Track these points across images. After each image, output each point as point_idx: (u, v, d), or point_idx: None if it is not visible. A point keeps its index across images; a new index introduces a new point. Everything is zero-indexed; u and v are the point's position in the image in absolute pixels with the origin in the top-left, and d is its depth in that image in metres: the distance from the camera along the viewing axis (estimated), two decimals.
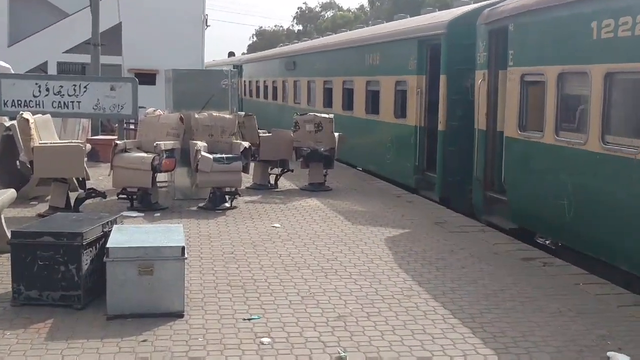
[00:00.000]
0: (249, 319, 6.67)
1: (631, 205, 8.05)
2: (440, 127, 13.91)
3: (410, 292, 7.61)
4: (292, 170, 14.92)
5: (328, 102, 20.58)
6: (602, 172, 8.64)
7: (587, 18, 8.80)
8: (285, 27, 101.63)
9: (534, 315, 6.92)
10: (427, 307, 7.12)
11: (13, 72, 17.10)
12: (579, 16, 9.13)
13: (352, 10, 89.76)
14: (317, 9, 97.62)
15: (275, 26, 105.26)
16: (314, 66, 22.23)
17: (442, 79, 13.80)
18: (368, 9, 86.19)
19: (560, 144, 9.53)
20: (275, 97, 27.14)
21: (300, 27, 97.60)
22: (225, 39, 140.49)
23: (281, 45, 34.95)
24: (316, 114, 15.13)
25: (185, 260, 6.85)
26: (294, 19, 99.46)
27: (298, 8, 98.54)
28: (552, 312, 7.01)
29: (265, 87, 28.78)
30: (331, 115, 15.03)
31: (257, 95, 30.32)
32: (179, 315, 6.66)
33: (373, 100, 17.28)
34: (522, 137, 10.68)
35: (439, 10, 16.76)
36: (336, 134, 14.69)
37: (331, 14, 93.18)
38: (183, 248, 6.77)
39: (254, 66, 31.89)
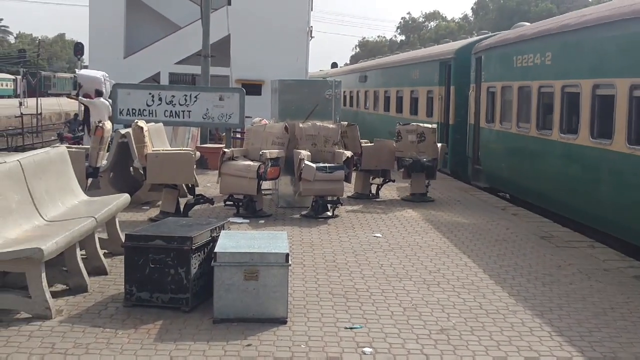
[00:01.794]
0: (350, 328, 6.68)
1: (530, 158, 14.70)
2: (451, 122, 19.97)
3: (515, 308, 7.45)
4: (393, 181, 14.88)
5: (386, 107, 26.51)
6: (517, 146, 15.36)
7: (510, 55, 15.93)
8: (389, 37, 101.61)
9: None
10: (533, 324, 6.95)
11: (112, 81, 17.84)
12: (506, 54, 16.32)
13: (455, 21, 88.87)
14: (421, 19, 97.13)
15: (378, 37, 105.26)
16: (378, 79, 28.72)
17: (452, 89, 19.98)
18: (472, 19, 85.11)
19: (502, 129, 16.25)
20: (351, 104, 33.76)
21: (403, 37, 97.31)
22: (329, 49, 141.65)
23: (360, 62, 42.82)
24: (419, 124, 15.06)
25: (289, 267, 6.94)
26: (397, 29, 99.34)
27: (402, 18, 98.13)
28: None
29: (344, 97, 34.32)
30: (434, 125, 14.95)
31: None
32: (283, 321, 6.74)
33: (413, 104, 23.21)
34: (486, 126, 17.34)
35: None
36: (439, 144, 14.56)
37: (435, 24, 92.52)
38: (287, 255, 6.86)
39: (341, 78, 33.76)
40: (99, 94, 19.89)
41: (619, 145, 10.91)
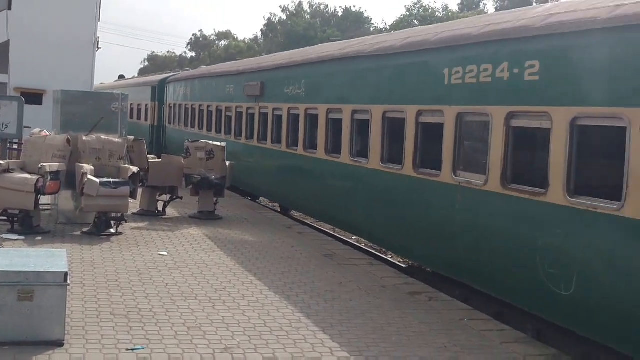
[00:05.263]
0: (132, 350, 6.46)
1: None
2: (155, 123, 30.23)
3: (298, 325, 7.58)
4: (181, 198, 14.69)
5: (138, 116, 33.08)
6: (185, 138, 19.87)
7: (182, 85, 26.21)
8: (179, 53, 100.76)
9: (420, 350, 7.01)
10: (315, 340, 7.10)
11: None
12: (180, 84, 26.31)
13: (246, 41, 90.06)
14: (213, 37, 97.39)
15: (167, 52, 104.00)
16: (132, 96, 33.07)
17: (156, 104, 30.46)
18: (262, 41, 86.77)
19: (177, 128, 26.12)
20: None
21: (194, 54, 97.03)
22: (118, 61, 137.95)
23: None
24: (208, 141, 15.01)
25: (68, 287, 6.61)
26: (187, 45, 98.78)
27: (193, 35, 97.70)
28: (438, 347, 7.13)
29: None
30: (223, 144, 14.95)
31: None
32: (59, 344, 6.38)
33: (143, 113, 32.57)
34: (170, 126, 27.98)
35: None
36: (227, 162, 14.59)
37: (226, 43, 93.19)
38: (66, 274, 6.53)
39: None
40: None
41: (346, 157, 12.95)
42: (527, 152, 8.90)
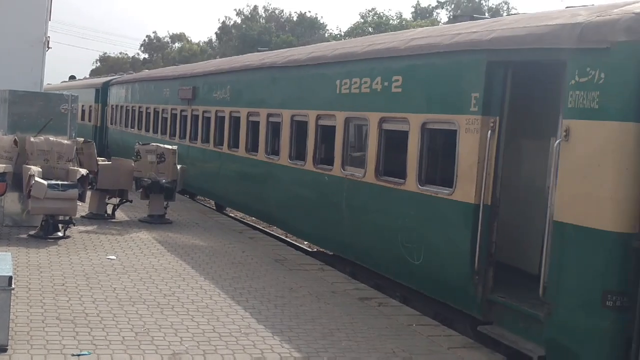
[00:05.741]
0: (78, 355, 6.37)
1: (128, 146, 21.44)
2: (99, 124, 31.44)
3: (248, 330, 7.55)
4: (131, 201, 14.53)
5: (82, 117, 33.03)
6: (124, 138, 25.30)
7: (123, 88, 27.46)
8: (131, 55, 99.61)
9: (368, 356, 7.05)
10: (264, 346, 7.09)
11: None
12: (122, 87, 27.71)
13: (200, 44, 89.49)
14: (166, 39, 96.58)
15: (120, 53, 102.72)
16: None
17: (99, 105, 31.18)
18: (216, 44, 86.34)
19: (117, 129, 27.32)
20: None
21: (147, 56, 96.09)
22: (69, 62, 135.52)
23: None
24: (159, 144, 14.88)
25: (12, 291, 6.49)
26: (141, 46, 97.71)
27: (146, 36, 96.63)
28: (386, 352, 7.17)
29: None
30: (174, 147, 14.84)
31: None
32: (2, 349, 6.26)
33: (87, 114, 33.31)
34: (111, 127, 28.99)
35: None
36: (179, 166, 14.48)
37: (180, 45, 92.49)
38: (10, 278, 6.41)
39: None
40: None
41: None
42: (393, 150, 10.27)
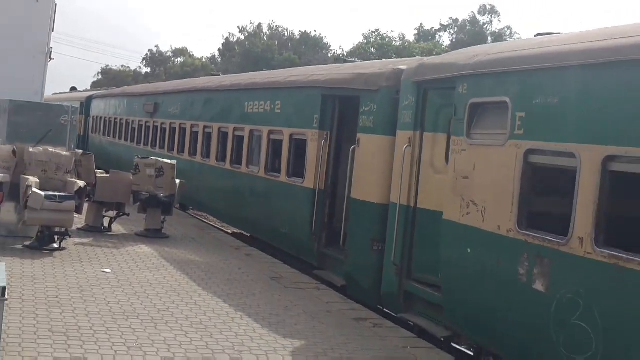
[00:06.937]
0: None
1: (117, 156, 26.98)
2: (82, 134, 32.19)
3: (241, 348, 7.50)
4: (128, 214, 14.47)
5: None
6: (106, 144, 29.59)
7: (104, 102, 31.90)
8: (133, 68, 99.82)
9: None
10: None
11: None
12: (102, 101, 32.43)
13: (203, 60, 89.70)
14: (169, 54, 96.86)
15: (122, 66, 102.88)
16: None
17: (84, 117, 33.36)
18: (219, 60, 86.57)
19: (101, 138, 30.70)
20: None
21: (149, 70, 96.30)
22: (70, 73, 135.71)
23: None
24: (158, 158, 14.87)
25: (5, 302, 6.43)
26: (143, 60, 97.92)
27: (149, 50, 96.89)
28: None
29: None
30: (174, 162, 14.83)
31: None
32: None
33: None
34: (94, 135, 32.50)
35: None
36: (177, 181, 14.46)
37: (182, 60, 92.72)
38: (4, 288, 6.34)
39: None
40: None
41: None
42: (274, 154, 14.24)
